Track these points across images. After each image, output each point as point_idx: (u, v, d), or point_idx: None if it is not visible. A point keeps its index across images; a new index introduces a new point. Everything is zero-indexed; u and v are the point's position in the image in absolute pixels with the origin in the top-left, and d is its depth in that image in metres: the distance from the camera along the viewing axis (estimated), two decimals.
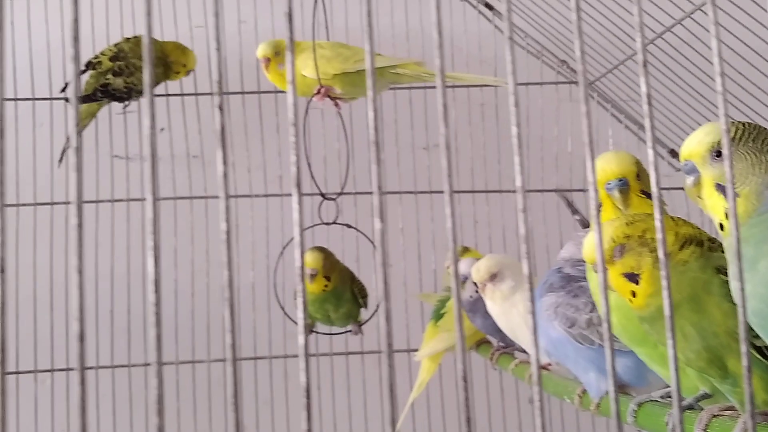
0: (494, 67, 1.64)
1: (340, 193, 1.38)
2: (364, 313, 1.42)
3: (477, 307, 1.29)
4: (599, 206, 0.83)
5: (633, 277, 0.65)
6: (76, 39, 0.38)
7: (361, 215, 1.55)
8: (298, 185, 0.38)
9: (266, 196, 1.60)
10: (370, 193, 1.44)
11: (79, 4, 0.37)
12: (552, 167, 1.61)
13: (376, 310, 1.39)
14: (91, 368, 1.53)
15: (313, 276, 1.28)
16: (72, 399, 1.53)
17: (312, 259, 1.28)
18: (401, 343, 1.58)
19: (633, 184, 0.82)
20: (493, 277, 1.17)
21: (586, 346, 0.89)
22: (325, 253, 1.29)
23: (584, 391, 0.95)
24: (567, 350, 0.90)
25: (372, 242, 1.40)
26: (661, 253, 0.39)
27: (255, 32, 1.65)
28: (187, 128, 1.66)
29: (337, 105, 1.38)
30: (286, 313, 1.39)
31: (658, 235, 0.39)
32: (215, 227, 1.59)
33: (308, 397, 0.37)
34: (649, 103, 0.40)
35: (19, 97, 1.57)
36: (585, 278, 0.91)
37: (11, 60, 1.55)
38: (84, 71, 1.43)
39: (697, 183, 0.60)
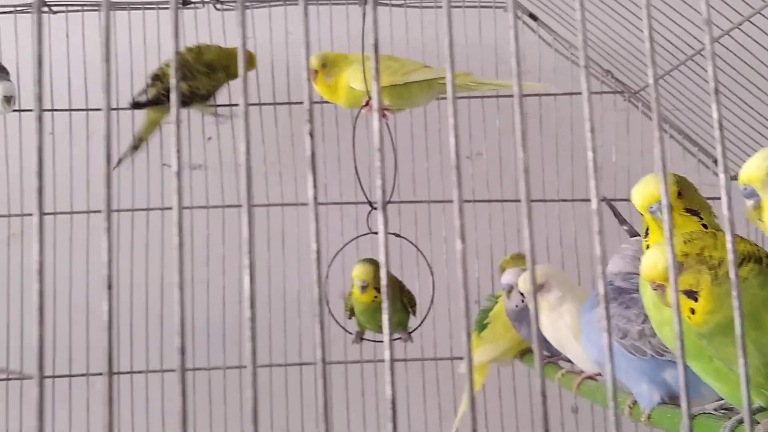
0: (538, 77, 1.64)
1: (388, 202, 1.40)
2: (412, 321, 1.44)
3: (523, 316, 1.30)
4: (647, 230, 0.84)
5: (692, 294, 0.66)
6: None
7: (405, 224, 1.57)
8: (384, 206, 0.40)
9: (297, 205, 1.62)
10: (416, 202, 1.46)
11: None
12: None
13: (424, 319, 1.41)
14: (128, 372, 1.57)
15: (364, 288, 1.30)
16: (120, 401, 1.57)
17: (363, 272, 1.30)
18: (445, 351, 1.60)
19: (675, 204, 0.82)
20: (540, 287, 1.18)
21: (638, 356, 0.89)
22: (375, 265, 1.31)
23: (635, 402, 0.95)
24: (619, 361, 0.91)
25: (419, 250, 1.41)
26: (732, 274, 0.41)
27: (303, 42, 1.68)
28: (235, 137, 1.68)
29: (384, 116, 1.40)
30: (337, 321, 1.41)
31: (730, 257, 0.41)
32: (262, 234, 1.62)
33: (393, 408, 0.38)
34: (721, 129, 0.41)
35: (73, 107, 1.62)
36: (636, 290, 0.92)
37: (66, 70, 1.59)
38: (152, 84, 1.46)
39: (757, 206, 0.60)
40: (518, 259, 1.42)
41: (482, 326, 1.40)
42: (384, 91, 1.36)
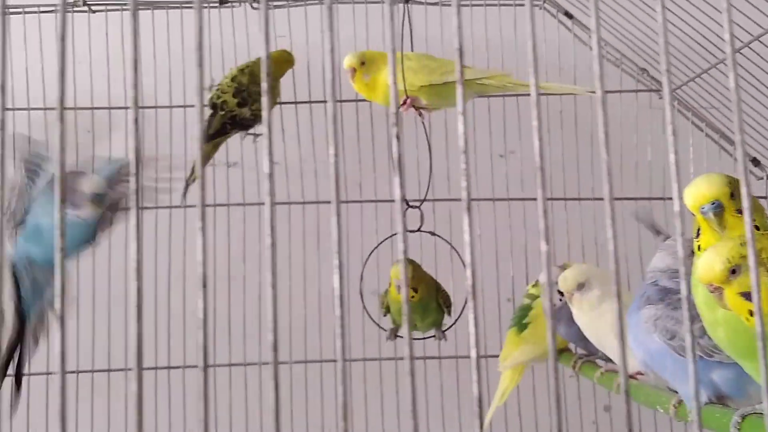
0: (573, 75, 1.64)
1: (423, 200, 1.40)
2: (446, 320, 1.44)
3: (561, 314, 1.30)
4: (698, 230, 0.84)
5: (750, 297, 0.66)
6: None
7: (439, 222, 1.57)
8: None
9: (346, 202, 1.63)
10: (451, 200, 1.45)
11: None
12: (632, 176, 1.61)
13: (458, 318, 1.41)
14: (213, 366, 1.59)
15: (400, 287, 1.31)
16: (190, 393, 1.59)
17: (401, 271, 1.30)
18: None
19: (727, 205, 0.82)
20: (581, 286, 1.19)
21: (686, 358, 0.89)
22: (413, 265, 1.31)
23: (680, 402, 0.95)
24: (666, 362, 0.91)
25: (455, 249, 1.42)
26: None
27: (338, 41, 1.68)
28: (285, 135, 1.68)
29: (420, 115, 1.41)
30: (373, 320, 1.42)
31: None
32: (298, 232, 1.63)
33: (480, 406, 0.39)
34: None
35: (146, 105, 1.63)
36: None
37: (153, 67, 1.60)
38: (212, 114, 1.45)
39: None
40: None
41: (522, 326, 1.40)
42: (422, 91, 1.36)
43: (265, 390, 1.59)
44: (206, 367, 0.37)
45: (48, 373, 1.57)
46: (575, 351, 1.37)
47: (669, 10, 1.42)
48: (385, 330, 1.41)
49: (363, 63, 1.37)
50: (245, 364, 1.60)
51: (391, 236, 1.40)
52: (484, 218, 1.65)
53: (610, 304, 1.16)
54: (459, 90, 0.43)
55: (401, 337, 1.43)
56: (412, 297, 1.33)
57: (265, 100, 0.42)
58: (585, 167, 1.64)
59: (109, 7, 1.62)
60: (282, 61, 1.50)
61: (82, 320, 1.59)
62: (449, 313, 1.40)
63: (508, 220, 1.64)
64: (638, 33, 1.56)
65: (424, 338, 1.43)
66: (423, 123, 1.42)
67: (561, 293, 1.27)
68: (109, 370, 1.61)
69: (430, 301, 1.36)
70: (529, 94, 1.63)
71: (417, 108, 1.38)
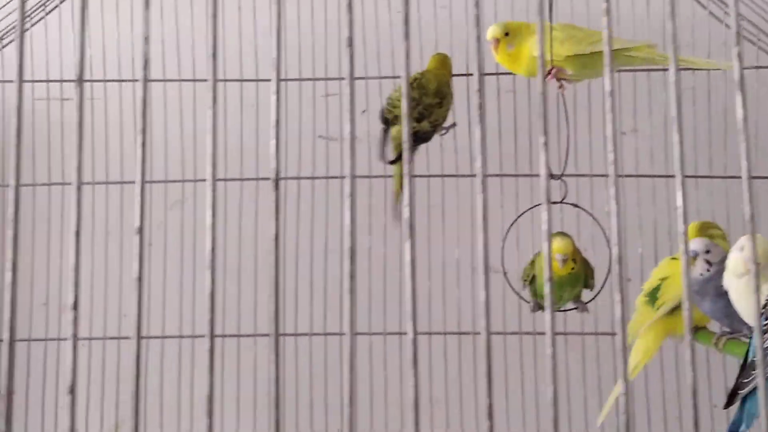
0: (707, 51, 1.61)
1: (562, 175, 1.39)
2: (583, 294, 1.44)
3: (706, 290, 1.27)
4: None
5: None
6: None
7: (571, 194, 1.55)
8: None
9: (458, 176, 1.63)
10: (580, 175, 1.43)
11: None
12: (766, 154, 1.58)
13: (600, 290, 1.40)
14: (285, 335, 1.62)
15: (564, 261, 1.31)
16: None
17: (564, 245, 1.30)
18: (605, 326, 1.59)
19: None
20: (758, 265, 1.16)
21: None
22: (571, 238, 1.32)
23: None
24: None
25: (596, 220, 1.41)
26: None
27: (449, 18, 1.69)
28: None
29: (561, 87, 1.40)
30: (516, 293, 1.42)
31: None
32: (422, 205, 1.64)
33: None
34: None
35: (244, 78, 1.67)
36: None
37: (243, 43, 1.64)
38: (385, 129, 1.46)
39: None
40: (706, 227, 1.39)
41: (656, 298, 1.38)
42: (567, 61, 1.35)
43: (405, 363, 1.61)
44: (277, 335, 0.38)
45: (123, 338, 1.62)
46: (720, 328, 1.35)
47: None
48: (528, 302, 1.41)
49: (507, 34, 1.37)
50: (384, 333, 1.62)
51: (531, 208, 1.39)
52: (597, 196, 1.63)
53: None
54: (606, 59, 0.42)
55: (542, 308, 1.43)
56: (572, 269, 1.33)
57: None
58: (718, 144, 1.61)
59: None
60: (447, 66, 1.50)
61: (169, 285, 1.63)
62: (592, 287, 1.40)
63: (636, 197, 1.62)
64: None
65: (566, 310, 1.43)
66: (563, 95, 1.41)
67: (709, 264, 1.25)
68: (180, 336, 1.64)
69: (581, 274, 1.36)
70: (662, 69, 1.61)
71: (559, 79, 1.37)
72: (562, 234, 1.33)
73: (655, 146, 1.66)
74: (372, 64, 1.62)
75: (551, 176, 1.37)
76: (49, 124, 1.72)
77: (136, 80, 1.64)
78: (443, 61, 1.51)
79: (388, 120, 1.44)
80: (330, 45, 1.68)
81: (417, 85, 1.46)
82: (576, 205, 1.41)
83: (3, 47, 1.59)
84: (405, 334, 1.53)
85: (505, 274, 1.40)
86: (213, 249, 0.42)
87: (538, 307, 1.40)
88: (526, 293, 1.42)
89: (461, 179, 1.64)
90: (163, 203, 1.70)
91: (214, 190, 0.43)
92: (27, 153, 1.65)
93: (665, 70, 1.62)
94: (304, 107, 1.72)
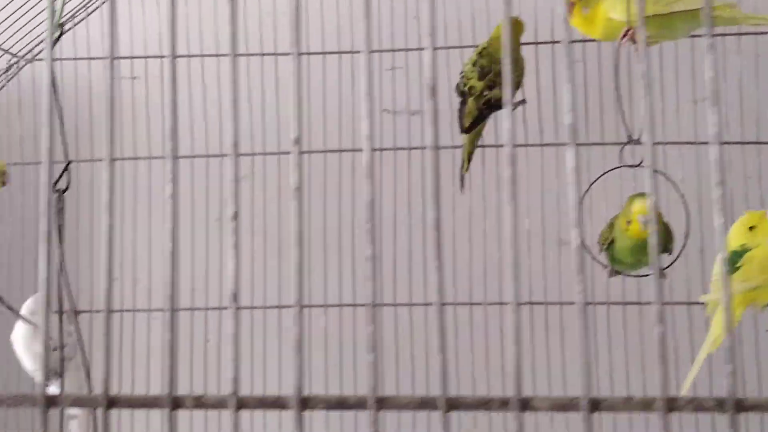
0: None
1: (637, 140, 1.37)
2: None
3: None
4: None
5: None
6: None
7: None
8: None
9: (541, 145, 1.62)
10: (663, 143, 1.39)
11: None
12: None
13: (677, 257, 1.37)
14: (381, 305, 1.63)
15: (647, 223, 1.28)
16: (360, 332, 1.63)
17: (649, 206, 1.27)
18: (680, 295, 1.56)
19: None
20: None
21: None
22: (654, 200, 1.29)
23: None
24: None
25: (676, 187, 1.38)
26: None
27: None
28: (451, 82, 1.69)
29: (637, 49, 1.38)
30: (594, 258, 1.40)
31: None
32: (492, 176, 1.63)
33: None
34: None
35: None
36: None
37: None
38: (462, 102, 1.45)
39: None
40: None
41: (735, 269, 1.35)
42: (645, 22, 1.33)
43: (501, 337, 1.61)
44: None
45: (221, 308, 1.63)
46: None
47: None
48: (606, 267, 1.39)
49: None
50: (485, 303, 1.62)
51: (607, 172, 1.37)
52: (676, 162, 1.60)
53: None
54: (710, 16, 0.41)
55: (619, 274, 1.41)
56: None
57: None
58: None
59: None
60: (517, 31, 1.47)
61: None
62: (670, 252, 1.37)
63: (695, 166, 1.59)
64: None
65: (643, 276, 1.41)
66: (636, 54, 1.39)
67: None
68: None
69: (662, 238, 1.34)
70: (734, 33, 1.57)
71: (635, 41, 1.35)
72: (645, 195, 1.31)
73: (730, 114, 1.63)
74: (440, 35, 1.62)
75: (630, 140, 1.37)
76: (120, 101, 1.74)
77: (225, 54, 1.65)
78: (512, 27, 1.49)
79: (464, 93, 1.44)
80: (396, 17, 1.68)
81: (485, 53, 1.45)
82: (656, 170, 1.38)
83: (74, 26, 1.61)
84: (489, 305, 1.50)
85: (582, 242, 1.38)
86: (298, 216, 0.42)
87: (615, 272, 1.38)
88: (603, 259, 1.40)
89: (531, 148, 1.63)
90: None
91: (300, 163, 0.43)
92: (97, 129, 1.68)
93: (740, 34, 1.58)
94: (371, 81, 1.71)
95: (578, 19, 1.37)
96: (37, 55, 1.65)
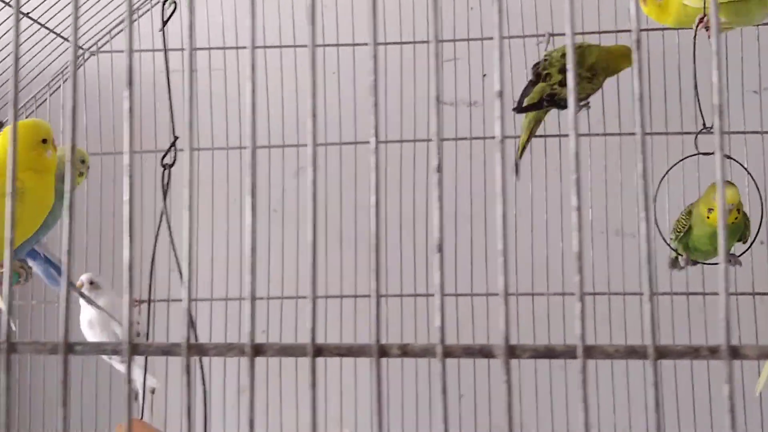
0: None
1: (709, 129, 1.36)
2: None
3: None
4: None
5: None
6: None
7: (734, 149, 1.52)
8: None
9: (605, 135, 1.61)
10: (728, 132, 1.36)
11: None
12: None
13: (751, 244, 1.36)
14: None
15: (729, 210, 1.27)
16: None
17: (731, 193, 1.25)
18: (746, 286, 1.55)
19: None
20: None
21: None
22: (737, 187, 1.28)
23: None
24: None
25: (749, 173, 1.37)
26: None
27: None
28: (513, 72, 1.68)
29: (709, 36, 1.37)
30: (668, 244, 1.39)
31: None
32: (554, 164, 1.63)
33: None
34: None
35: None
36: None
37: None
38: (535, 82, 1.42)
39: None
40: None
41: None
42: (721, 8, 1.32)
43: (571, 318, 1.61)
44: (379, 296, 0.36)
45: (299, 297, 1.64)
46: None
47: None
48: (681, 255, 1.38)
49: None
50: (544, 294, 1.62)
51: (682, 159, 1.37)
52: (740, 152, 1.59)
53: None
54: None
55: (696, 263, 1.39)
56: (736, 218, 1.29)
57: None
58: None
59: None
60: (618, 55, 1.43)
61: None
62: (746, 239, 1.36)
63: (762, 157, 1.58)
64: None
65: (716, 264, 1.40)
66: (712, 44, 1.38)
67: None
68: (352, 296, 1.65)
69: (741, 225, 1.32)
70: None
71: (709, 28, 1.35)
72: (729, 183, 1.30)
73: None
74: (515, 24, 1.62)
75: (704, 128, 1.36)
76: (194, 92, 1.74)
77: (304, 46, 1.66)
78: (621, 51, 1.44)
79: (540, 75, 1.42)
80: (459, 7, 1.68)
81: (578, 52, 1.43)
82: (729, 157, 1.38)
83: (138, 18, 1.62)
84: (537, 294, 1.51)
85: (657, 226, 1.38)
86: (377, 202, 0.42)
87: (691, 261, 1.37)
88: (678, 247, 1.39)
89: (594, 138, 1.62)
90: (281, 169, 1.72)
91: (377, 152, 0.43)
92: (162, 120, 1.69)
93: None
94: (419, 72, 1.71)
95: (651, 8, 1.36)
96: (101, 47, 1.66)
